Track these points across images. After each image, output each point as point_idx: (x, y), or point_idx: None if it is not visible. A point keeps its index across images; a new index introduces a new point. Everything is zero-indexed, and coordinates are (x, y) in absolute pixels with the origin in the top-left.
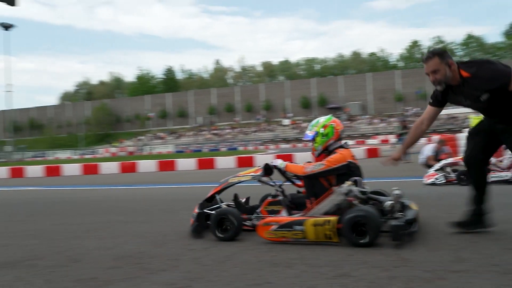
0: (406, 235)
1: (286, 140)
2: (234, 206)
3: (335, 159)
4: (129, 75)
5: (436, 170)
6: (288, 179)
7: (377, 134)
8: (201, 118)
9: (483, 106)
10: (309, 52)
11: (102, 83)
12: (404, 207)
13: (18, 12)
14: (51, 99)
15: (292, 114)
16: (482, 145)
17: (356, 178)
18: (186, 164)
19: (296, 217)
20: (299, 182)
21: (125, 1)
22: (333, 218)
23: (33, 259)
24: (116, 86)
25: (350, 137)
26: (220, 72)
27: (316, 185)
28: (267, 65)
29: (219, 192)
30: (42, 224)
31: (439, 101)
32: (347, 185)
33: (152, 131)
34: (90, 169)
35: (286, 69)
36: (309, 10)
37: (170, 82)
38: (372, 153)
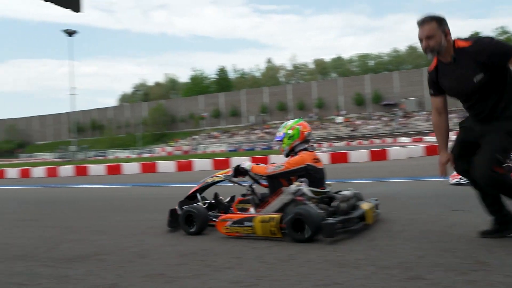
0: (339, 233)
1: (340, 138)
2: (214, 203)
3: (294, 161)
4: (183, 76)
5: None
6: (254, 179)
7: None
8: (253, 117)
9: (473, 93)
10: (362, 48)
11: (157, 85)
12: (354, 207)
13: (80, 19)
14: (111, 101)
15: (346, 112)
16: (467, 164)
17: (302, 179)
18: (240, 162)
19: (247, 214)
20: (265, 183)
21: (179, 4)
22: (276, 216)
23: (102, 254)
24: (171, 87)
25: (406, 134)
26: (272, 71)
27: (277, 185)
28: (319, 63)
29: (198, 191)
30: (107, 220)
31: (436, 84)
32: (295, 185)
33: (206, 130)
34: (149, 168)
35: (339, 66)
36: (361, 5)
37: (222, 82)
38: (432, 150)
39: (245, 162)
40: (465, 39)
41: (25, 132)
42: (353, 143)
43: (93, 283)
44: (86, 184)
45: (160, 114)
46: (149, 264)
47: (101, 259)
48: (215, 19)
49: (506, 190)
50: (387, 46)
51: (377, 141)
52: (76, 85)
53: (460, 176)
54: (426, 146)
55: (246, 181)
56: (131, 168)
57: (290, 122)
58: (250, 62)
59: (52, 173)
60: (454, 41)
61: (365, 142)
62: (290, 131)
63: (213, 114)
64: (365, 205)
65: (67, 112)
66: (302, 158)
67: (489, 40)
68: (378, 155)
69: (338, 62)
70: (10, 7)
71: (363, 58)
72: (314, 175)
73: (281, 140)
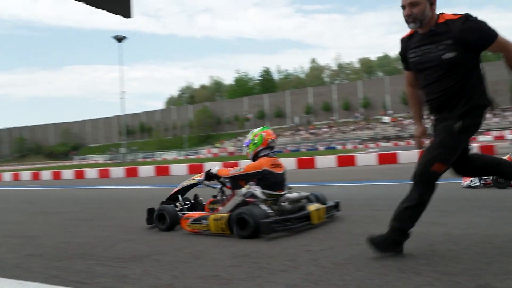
0: (278, 230)
1: (387, 138)
2: (194, 204)
3: (252, 166)
4: (228, 78)
5: None
6: (221, 182)
7: (490, 130)
8: (298, 118)
9: (438, 69)
10: None
11: (203, 87)
12: (301, 208)
13: (128, 25)
14: (158, 104)
15: (393, 111)
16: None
17: (251, 182)
18: (286, 163)
19: (204, 213)
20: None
21: (222, 7)
22: (225, 215)
23: (156, 254)
24: (216, 89)
25: None
26: (316, 71)
27: (236, 186)
28: (364, 61)
29: (178, 192)
30: None
31: (404, 59)
32: (245, 188)
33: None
34: (196, 169)
35: (385, 64)
36: None
37: (267, 83)
38: (487, 150)
39: (214, 167)
40: (454, 14)
41: (78, 135)
42: (401, 143)
43: (150, 283)
44: (137, 185)
45: (206, 116)
46: (203, 266)
47: (156, 260)
48: (258, 21)
49: (427, 193)
50: None
51: (426, 141)
52: (126, 89)
53: (471, 179)
54: (480, 145)
55: (217, 184)
56: (179, 169)
57: (255, 130)
58: (294, 63)
59: (104, 174)
60: (439, 14)
61: (414, 142)
62: (254, 138)
63: (258, 115)
64: (311, 207)
65: (117, 116)
66: (260, 163)
67: (478, 19)
68: None
69: (384, 61)
70: (65, 17)
71: None
72: (270, 179)
73: (248, 146)
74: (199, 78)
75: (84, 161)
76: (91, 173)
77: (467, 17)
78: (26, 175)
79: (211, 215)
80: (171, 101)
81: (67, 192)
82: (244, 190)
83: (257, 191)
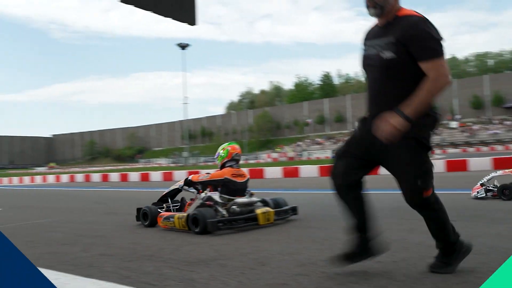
0: (222, 229)
1: (454, 145)
2: (181, 205)
3: (216, 174)
4: (288, 83)
5: (481, 184)
6: (195, 188)
7: None
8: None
9: (379, 70)
10: (480, 47)
11: (263, 92)
12: (250, 210)
13: (189, 33)
14: (219, 109)
15: (461, 116)
16: (354, 166)
17: (207, 189)
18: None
19: (172, 213)
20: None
21: (282, 13)
22: (185, 214)
23: (222, 258)
24: (275, 94)
25: None
26: None
27: (205, 190)
28: None
29: (167, 195)
30: None
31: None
32: (204, 193)
33: (310, 136)
34: (255, 174)
35: (454, 66)
36: (479, 0)
37: (327, 88)
38: None
39: (191, 175)
40: (416, 12)
41: (143, 139)
42: (470, 149)
43: None
44: None
45: (266, 121)
46: (270, 273)
47: (223, 264)
48: (319, 25)
49: (435, 211)
50: (508, 43)
51: (499, 147)
52: (188, 95)
53: (478, 190)
54: None
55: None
56: None
57: (224, 145)
58: (356, 67)
59: (168, 177)
60: (401, 8)
61: (485, 148)
62: (221, 151)
63: (318, 120)
64: (259, 210)
65: (180, 120)
66: (223, 172)
67: (429, 30)
68: (504, 163)
69: (452, 63)
70: (133, 26)
71: (481, 57)
72: (230, 186)
73: (217, 158)
74: (259, 83)
75: (149, 164)
76: (156, 175)
77: (420, 21)
78: (96, 177)
79: (176, 214)
80: (231, 106)
81: (134, 194)
82: (203, 194)
83: (215, 195)
